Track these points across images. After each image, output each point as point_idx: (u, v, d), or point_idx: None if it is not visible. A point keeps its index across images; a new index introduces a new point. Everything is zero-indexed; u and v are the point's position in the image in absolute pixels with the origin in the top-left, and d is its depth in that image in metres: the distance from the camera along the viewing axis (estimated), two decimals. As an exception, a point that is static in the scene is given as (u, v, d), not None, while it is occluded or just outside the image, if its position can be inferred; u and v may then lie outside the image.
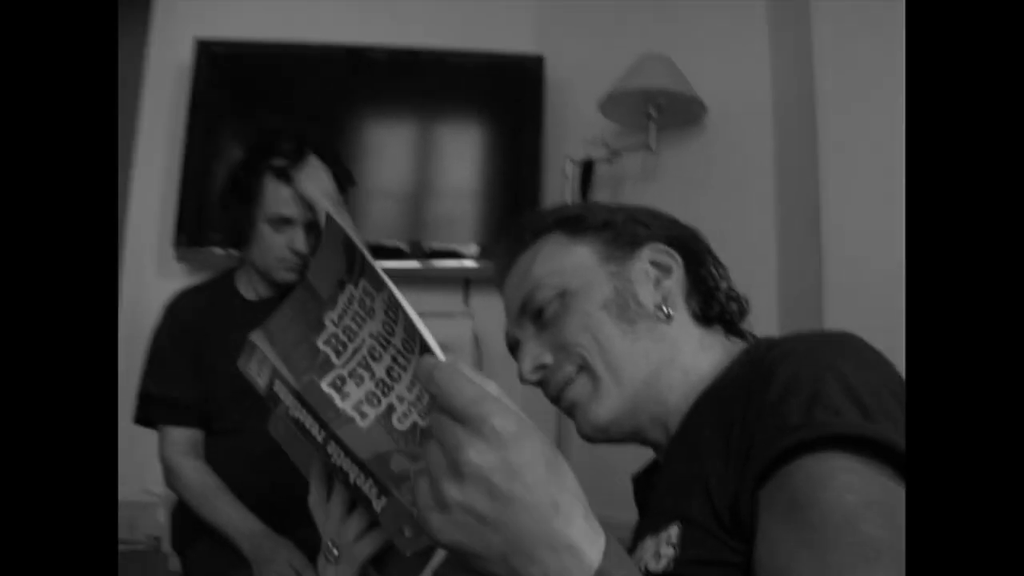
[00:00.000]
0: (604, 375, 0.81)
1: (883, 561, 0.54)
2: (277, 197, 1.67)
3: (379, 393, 0.62)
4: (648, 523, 0.76)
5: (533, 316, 0.85)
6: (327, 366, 0.64)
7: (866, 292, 1.89)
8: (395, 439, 0.60)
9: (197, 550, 1.68)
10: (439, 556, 0.72)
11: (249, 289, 1.81)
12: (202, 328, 1.75)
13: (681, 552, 0.67)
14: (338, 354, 0.64)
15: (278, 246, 1.70)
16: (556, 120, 2.78)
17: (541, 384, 0.86)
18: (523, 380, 0.86)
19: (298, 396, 0.65)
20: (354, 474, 0.62)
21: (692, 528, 0.67)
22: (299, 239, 1.68)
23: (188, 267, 2.69)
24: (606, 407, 0.81)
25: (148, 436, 2.58)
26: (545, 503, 0.50)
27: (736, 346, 0.84)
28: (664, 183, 2.51)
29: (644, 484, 0.91)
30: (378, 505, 0.61)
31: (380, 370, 0.62)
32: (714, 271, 0.87)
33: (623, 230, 0.85)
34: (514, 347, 0.89)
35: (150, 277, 2.77)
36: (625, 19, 2.71)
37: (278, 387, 0.66)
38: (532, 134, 2.71)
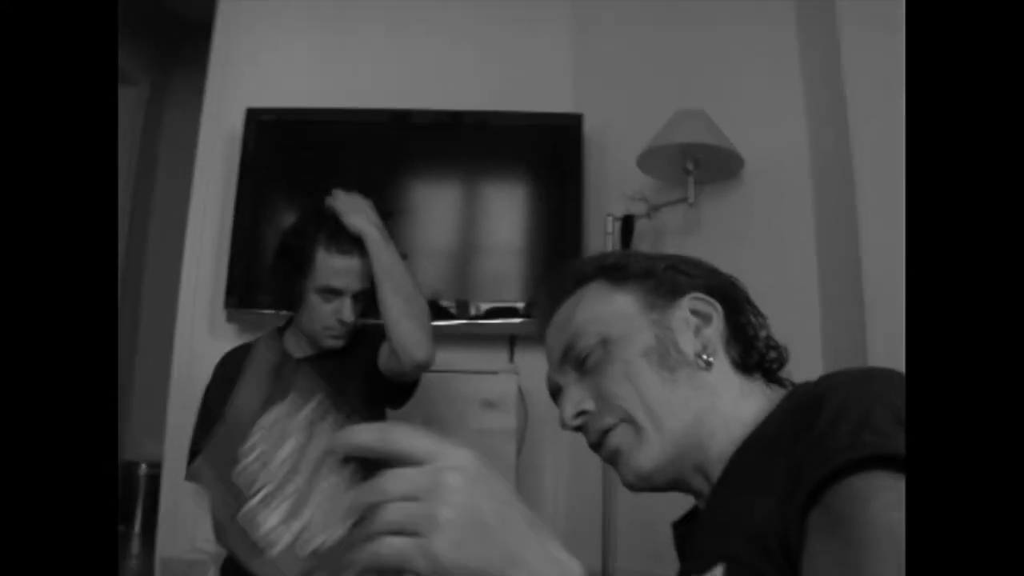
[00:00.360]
0: (646, 424, 0.82)
1: None
2: (327, 268, 1.71)
3: (290, 516, 0.65)
4: (689, 565, 0.76)
5: (575, 363, 0.86)
6: (241, 498, 0.68)
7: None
8: (305, 562, 0.64)
9: (247, 605, 1.69)
10: None
11: (296, 348, 1.86)
12: None
13: None
14: (251, 484, 0.68)
15: (326, 315, 1.74)
16: (596, 177, 2.83)
17: (582, 429, 0.87)
18: (564, 426, 0.87)
19: (226, 528, 0.71)
20: None
21: (736, 567, 0.67)
22: (347, 310, 1.72)
23: (239, 327, 2.75)
24: (648, 456, 0.82)
25: (200, 495, 2.63)
26: (527, 519, 0.56)
27: (776, 394, 0.84)
28: (704, 236, 2.53)
29: (684, 531, 0.91)
30: None
31: (292, 491, 0.66)
32: (753, 320, 0.88)
33: (664, 279, 0.87)
34: (556, 393, 0.90)
35: (202, 337, 2.84)
36: (661, 76, 2.77)
37: (216, 515, 0.72)
38: (573, 191, 2.76)
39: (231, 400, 0.71)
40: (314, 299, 1.74)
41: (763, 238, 2.42)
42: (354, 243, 1.72)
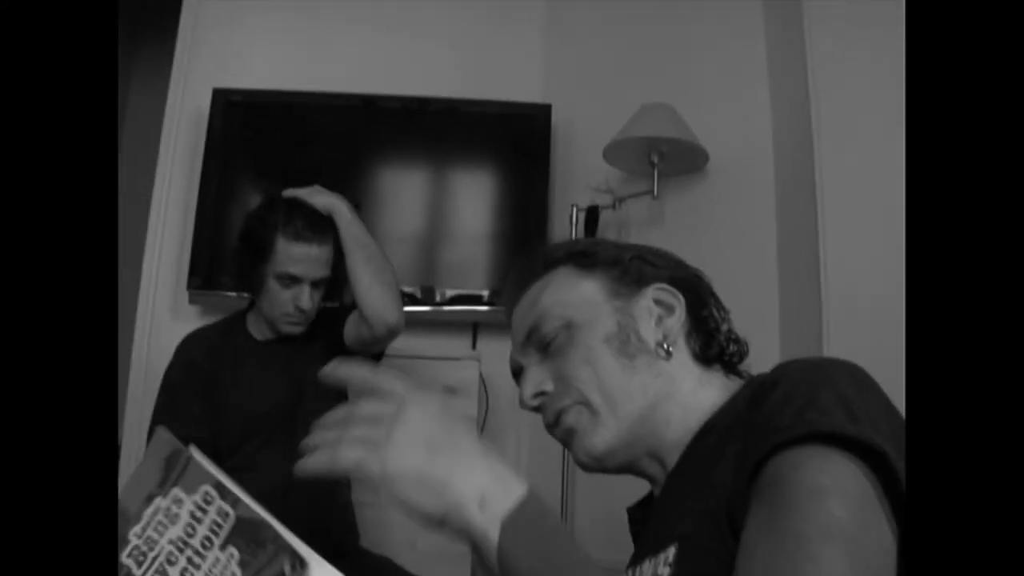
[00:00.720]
0: (601, 407, 0.83)
1: (840, 543, 0.56)
2: (287, 255, 1.72)
3: None
4: (644, 549, 0.78)
5: (538, 345, 0.88)
6: None
7: (867, 334, 1.92)
8: None
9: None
10: None
11: (258, 331, 1.86)
12: (213, 366, 1.79)
13: (678, 569, 0.70)
14: (139, 564, 0.72)
15: (284, 302, 1.75)
16: (562, 167, 2.86)
17: (540, 409, 0.88)
18: (523, 405, 0.89)
19: None
20: None
21: (688, 546, 0.69)
22: (304, 297, 1.73)
23: (201, 309, 2.74)
24: (602, 437, 0.83)
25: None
26: (478, 447, 0.66)
27: (735, 384, 0.87)
28: (667, 228, 2.57)
29: (639, 516, 0.93)
30: None
31: (175, 573, 0.72)
32: (716, 313, 0.90)
33: (630, 268, 0.88)
34: (517, 373, 0.92)
35: (164, 319, 2.82)
36: (629, 69, 2.79)
37: None
38: (540, 181, 2.77)
39: (126, 483, 0.78)
40: (273, 285, 1.74)
41: (726, 231, 2.45)
42: (314, 232, 1.73)
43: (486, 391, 2.61)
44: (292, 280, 1.73)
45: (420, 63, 2.99)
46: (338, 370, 0.70)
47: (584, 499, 2.56)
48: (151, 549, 0.72)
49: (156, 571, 0.71)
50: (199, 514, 0.72)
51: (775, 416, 0.65)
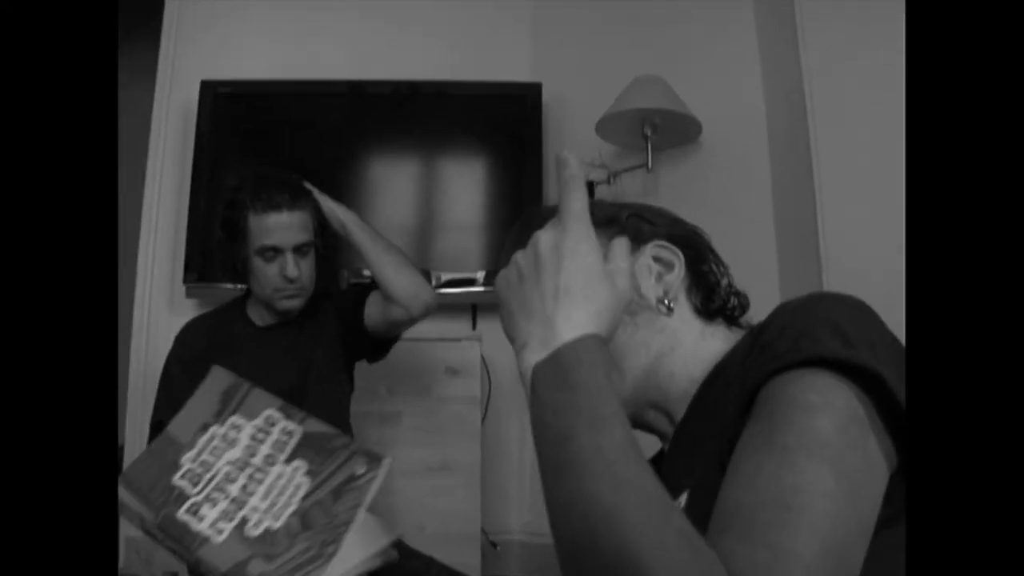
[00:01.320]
0: None
1: (823, 457, 0.56)
2: (260, 228, 1.71)
3: (233, 509, 0.72)
4: None
5: None
6: (182, 498, 0.74)
7: (867, 299, 1.92)
8: (250, 546, 0.69)
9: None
10: None
11: (258, 316, 1.86)
12: (212, 354, 1.78)
13: (688, 514, 0.70)
14: (194, 484, 0.74)
15: (272, 276, 1.74)
16: (555, 144, 2.84)
17: None
18: None
19: (160, 529, 0.74)
20: None
21: (700, 492, 0.69)
22: (289, 265, 1.72)
23: (198, 302, 2.73)
24: None
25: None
26: (558, 285, 0.63)
27: (737, 335, 0.86)
28: (663, 201, 2.54)
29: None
30: None
31: (235, 489, 0.72)
32: (715, 268, 0.90)
33: (628, 226, 0.87)
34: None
35: (161, 312, 2.82)
36: (618, 43, 2.78)
37: (147, 527, 0.76)
38: (533, 159, 2.77)
39: (178, 415, 0.77)
40: (258, 263, 1.74)
41: (721, 202, 2.45)
42: (283, 199, 1.72)
43: (487, 371, 2.61)
44: (273, 251, 1.72)
45: (407, 48, 2.97)
46: (571, 176, 0.69)
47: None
48: (207, 471, 0.73)
49: (215, 488, 0.72)
50: (260, 436, 0.73)
51: (770, 347, 0.65)
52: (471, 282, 2.68)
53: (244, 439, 0.73)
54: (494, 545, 2.60)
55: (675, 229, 0.90)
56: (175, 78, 2.93)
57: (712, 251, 0.91)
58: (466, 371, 2.42)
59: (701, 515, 0.68)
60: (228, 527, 0.70)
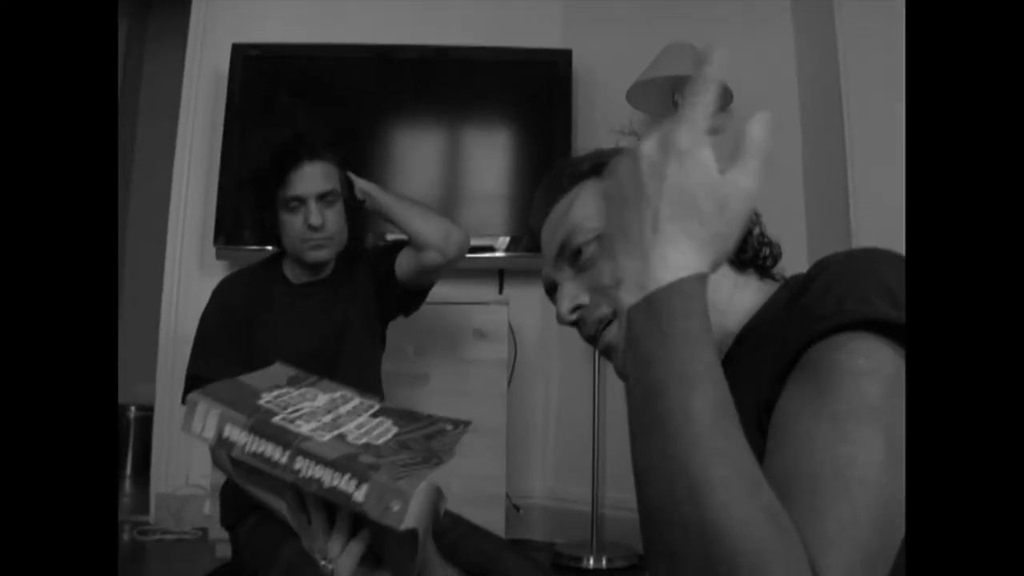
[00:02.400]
0: None
1: (876, 424, 0.56)
2: (283, 182, 1.73)
3: (330, 426, 0.69)
4: None
5: (571, 258, 0.87)
6: (271, 414, 0.69)
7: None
8: (355, 448, 0.66)
9: (247, 525, 1.72)
10: (429, 539, 0.74)
11: (293, 274, 1.87)
12: (249, 309, 1.80)
13: None
14: (282, 408, 0.70)
15: (298, 227, 1.75)
16: (584, 112, 2.83)
17: (577, 324, 0.88)
18: (560, 320, 0.88)
19: (253, 430, 0.68)
20: (328, 477, 0.65)
21: None
22: (313, 213, 1.74)
23: (228, 264, 2.76)
24: None
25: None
26: (658, 212, 0.56)
27: (770, 287, 0.86)
28: (693, 169, 2.54)
29: None
30: (360, 494, 0.63)
31: (327, 419, 0.70)
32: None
33: None
34: (551, 290, 0.91)
35: (192, 274, 2.85)
36: (649, 9, 2.76)
37: (228, 431, 0.69)
38: (563, 125, 2.76)
39: (241, 377, 0.75)
40: (284, 217, 1.76)
41: (751, 171, 2.43)
42: (302, 150, 1.74)
43: (513, 336, 2.63)
44: (297, 202, 1.74)
45: (436, 14, 2.97)
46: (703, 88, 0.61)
47: (614, 442, 2.58)
48: (290, 404, 0.71)
49: (301, 415, 0.69)
50: (338, 402, 0.72)
51: (815, 306, 0.64)
52: (491, 248, 2.69)
53: (322, 400, 0.71)
54: (517, 508, 2.62)
55: None
56: (206, 42, 2.94)
57: None
58: (494, 335, 2.43)
59: None
60: (328, 435, 0.67)
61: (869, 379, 0.58)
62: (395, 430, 0.70)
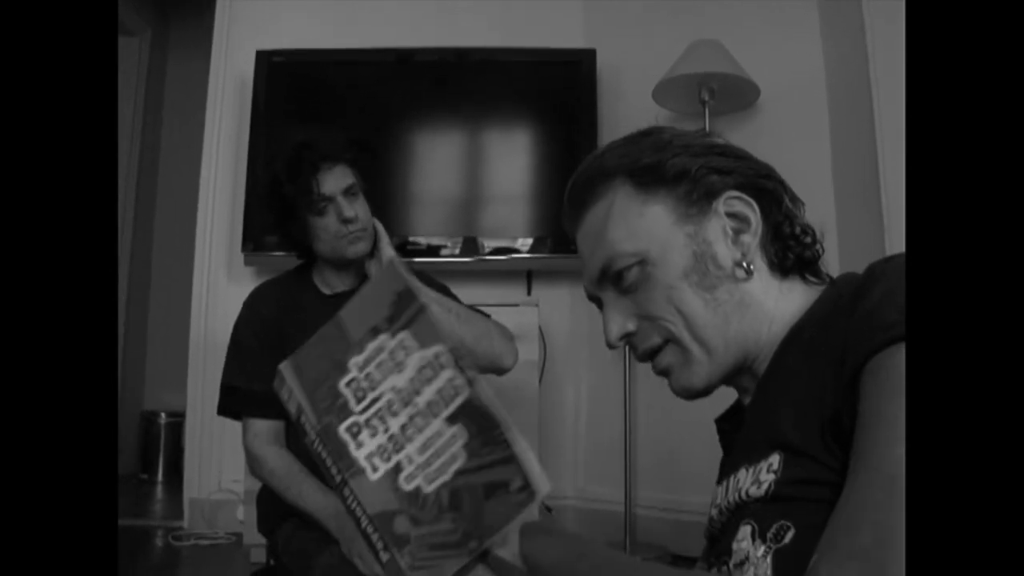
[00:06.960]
0: (692, 347, 0.82)
1: None
2: (307, 188, 1.73)
3: (391, 448, 0.66)
4: (740, 456, 0.77)
5: (613, 281, 0.85)
6: (345, 411, 0.67)
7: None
8: (399, 499, 0.64)
9: (284, 531, 1.72)
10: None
11: (324, 284, 1.86)
12: (281, 321, 1.80)
13: (783, 475, 0.69)
14: (358, 400, 0.67)
15: (330, 224, 1.74)
16: (609, 111, 2.82)
17: (629, 346, 0.87)
18: (610, 346, 0.88)
19: (319, 436, 0.68)
20: (364, 521, 0.66)
21: (791, 454, 0.69)
22: (344, 207, 1.73)
23: (256, 270, 2.77)
24: (698, 375, 0.82)
25: (225, 437, 2.67)
26: None
27: (815, 289, 0.85)
28: (720, 167, 2.53)
29: (727, 427, 0.92)
30: (383, 557, 0.64)
31: (395, 425, 0.65)
32: (790, 208, 0.85)
33: (698, 182, 0.83)
34: (594, 300, 0.90)
35: (220, 281, 2.87)
36: (674, 6, 2.74)
37: (303, 420, 0.70)
38: (587, 126, 2.75)
39: (345, 306, 0.71)
40: (314, 222, 1.75)
41: (780, 168, 2.38)
42: (314, 157, 1.73)
43: (543, 336, 2.62)
44: (324, 202, 1.73)
45: (456, 15, 2.97)
46: None
47: (645, 442, 2.57)
48: (372, 389, 0.67)
49: (375, 416, 0.66)
50: (429, 373, 0.65)
51: (877, 314, 0.64)
52: (514, 251, 2.69)
53: (411, 367, 0.65)
54: (549, 509, 2.61)
55: (747, 174, 0.87)
56: (229, 48, 2.96)
57: (786, 188, 0.88)
58: (524, 336, 2.42)
59: (794, 477, 0.68)
60: (383, 467, 0.65)
61: None
62: (462, 458, 0.65)
